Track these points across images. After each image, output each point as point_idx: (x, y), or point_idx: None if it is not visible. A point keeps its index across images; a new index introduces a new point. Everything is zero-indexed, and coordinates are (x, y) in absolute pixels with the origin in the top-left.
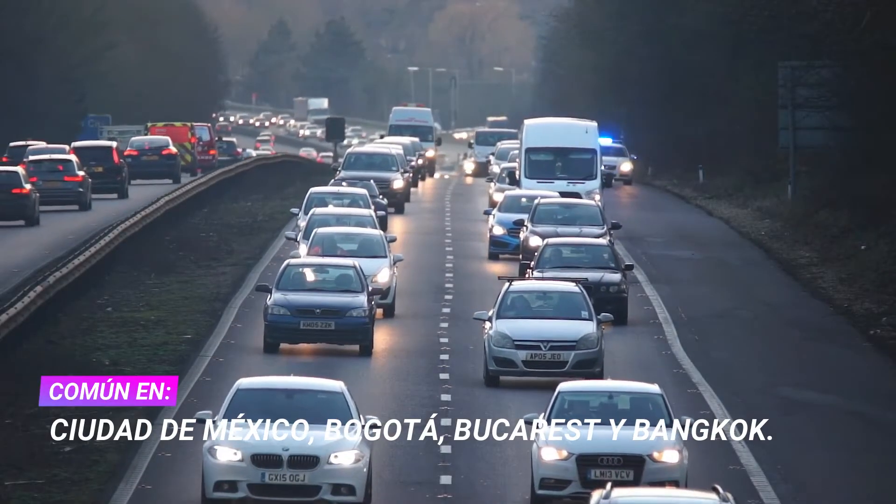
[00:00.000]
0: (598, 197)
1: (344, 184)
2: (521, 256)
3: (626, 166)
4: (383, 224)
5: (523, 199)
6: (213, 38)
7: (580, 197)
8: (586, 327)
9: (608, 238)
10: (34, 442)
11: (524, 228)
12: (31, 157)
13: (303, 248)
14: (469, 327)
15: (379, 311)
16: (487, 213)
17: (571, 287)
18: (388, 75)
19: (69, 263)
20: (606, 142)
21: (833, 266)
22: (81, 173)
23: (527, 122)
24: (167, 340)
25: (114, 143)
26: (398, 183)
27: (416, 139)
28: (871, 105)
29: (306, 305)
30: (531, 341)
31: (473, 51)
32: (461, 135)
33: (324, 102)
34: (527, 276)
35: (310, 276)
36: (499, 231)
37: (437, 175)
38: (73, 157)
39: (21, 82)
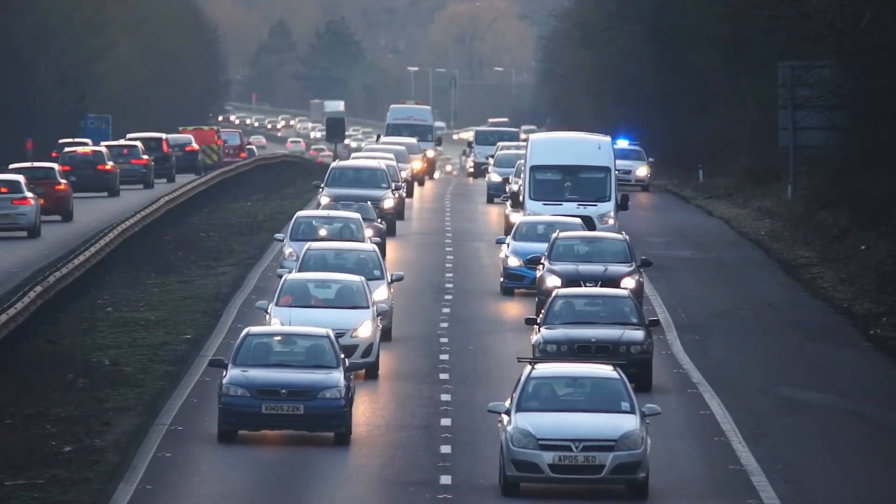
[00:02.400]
0: (611, 221)
1: (339, 206)
2: (536, 300)
3: (642, 171)
4: (381, 252)
5: (540, 227)
6: (213, 38)
7: (591, 220)
8: (627, 422)
9: (637, 276)
10: (34, 442)
11: (540, 266)
12: (104, 143)
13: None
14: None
15: (360, 373)
16: (500, 241)
17: (608, 371)
18: (388, 75)
19: (69, 263)
20: (623, 144)
21: (833, 266)
22: (146, 157)
23: (532, 137)
24: (167, 340)
25: (164, 135)
26: (388, 202)
27: (415, 140)
28: (871, 105)
29: (269, 385)
30: (560, 440)
31: (473, 51)
32: (468, 134)
33: (340, 105)
34: (533, 332)
35: (274, 347)
36: (514, 262)
37: (436, 174)
38: (138, 144)
39: (21, 82)
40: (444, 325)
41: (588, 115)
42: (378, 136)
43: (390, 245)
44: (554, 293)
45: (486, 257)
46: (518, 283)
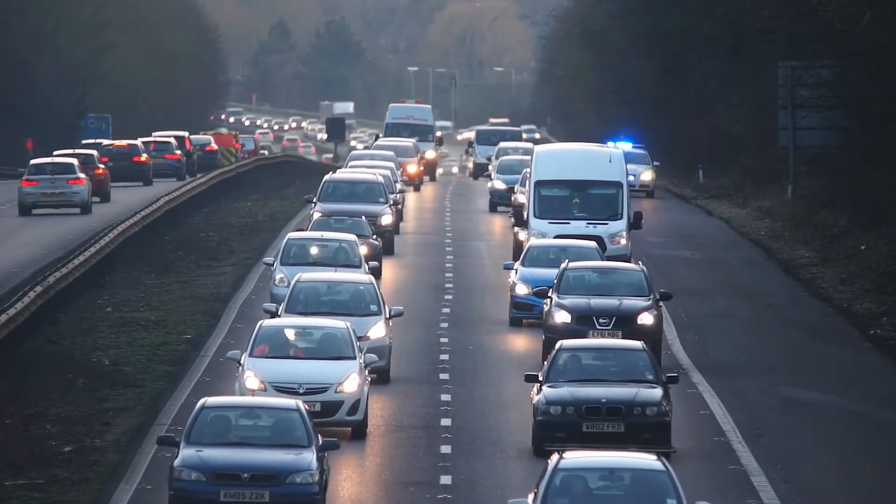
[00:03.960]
0: (623, 241)
1: (332, 221)
2: (543, 338)
3: (646, 175)
4: (378, 273)
5: (552, 251)
6: (213, 38)
7: (602, 240)
8: None
9: (655, 311)
10: (34, 442)
11: (548, 300)
12: (141, 139)
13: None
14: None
15: (347, 431)
16: (508, 267)
17: (651, 462)
18: (388, 75)
19: (69, 263)
20: (627, 147)
21: (833, 266)
22: (179, 152)
23: (537, 149)
24: (167, 340)
25: (186, 133)
26: (387, 218)
27: (412, 141)
28: (871, 105)
29: (229, 467)
30: None
31: (473, 51)
32: (470, 134)
33: (349, 106)
34: (534, 390)
35: (235, 421)
36: (522, 290)
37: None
38: (172, 140)
39: (21, 82)
40: (444, 325)
41: (588, 116)
42: (376, 136)
43: (388, 264)
44: (558, 346)
45: (486, 257)
46: (527, 313)
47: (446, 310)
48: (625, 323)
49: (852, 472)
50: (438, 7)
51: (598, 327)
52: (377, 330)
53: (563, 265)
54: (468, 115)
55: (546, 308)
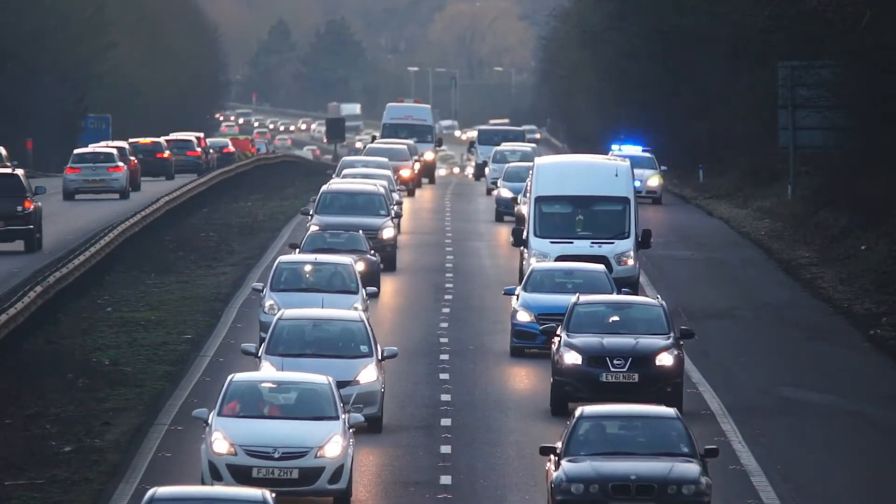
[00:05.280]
0: (631, 262)
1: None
2: (551, 380)
3: (653, 181)
4: (375, 297)
5: (557, 276)
6: (213, 38)
7: (607, 261)
8: None
9: (675, 352)
10: (34, 442)
11: (555, 339)
12: (164, 138)
13: (266, 367)
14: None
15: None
16: (509, 292)
17: None
18: (388, 75)
19: (69, 263)
20: (635, 150)
21: (833, 266)
22: (199, 149)
23: (538, 161)
24: (167, 340)
25: (201, 134)
26: (388, 231)
27: (407, 144)
28: (871, 105)
29: None
30: None
31: (473, 51)
32: (472, 133)
33: (356, 108)
34: (551, 464)
35: None
36: (524, 318)
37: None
38: (193, 138)
39: (21, 82)
40: (444, 325)
41: (588, 115)
42: (373, 138)
43: (388, 280)
44: (578, 413)
45: (486, 257)
46: (529, 342)
47: (446, 310)
48: (641, 364)
49: (852, 472)
50: (438, 7)
51: (612, 369)
52: (368, 374)
53: (572, 300)
54: (468, 116)
55: (554, 347)
